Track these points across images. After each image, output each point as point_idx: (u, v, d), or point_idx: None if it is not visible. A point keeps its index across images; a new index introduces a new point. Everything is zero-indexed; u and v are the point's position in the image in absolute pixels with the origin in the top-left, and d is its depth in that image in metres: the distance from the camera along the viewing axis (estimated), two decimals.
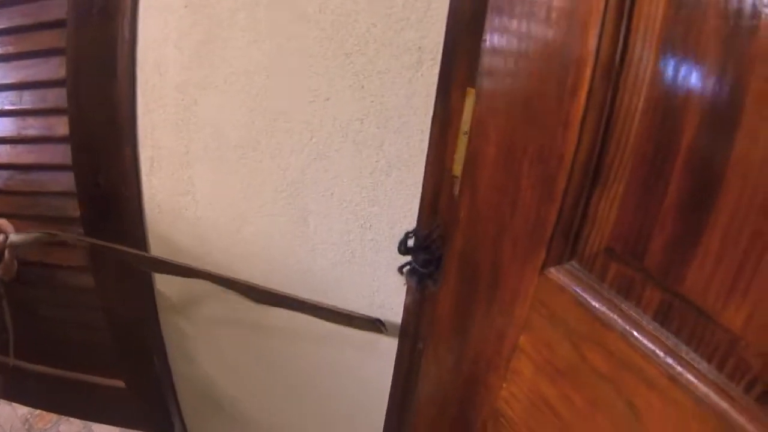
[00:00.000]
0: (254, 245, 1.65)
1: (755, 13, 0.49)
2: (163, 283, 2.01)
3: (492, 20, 0.80)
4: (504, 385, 0.89)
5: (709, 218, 0.55)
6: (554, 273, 0.75)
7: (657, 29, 0.59)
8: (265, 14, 1.33)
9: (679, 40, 0.56)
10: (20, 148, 1.88)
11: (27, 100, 1.80)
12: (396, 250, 1.26)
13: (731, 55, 0.51)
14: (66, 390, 2.45)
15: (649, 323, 0.64)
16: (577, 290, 0.71)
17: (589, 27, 0.64)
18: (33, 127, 1.83)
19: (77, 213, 1.85)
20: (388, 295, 1.46)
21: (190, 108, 1.56)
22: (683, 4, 0.56)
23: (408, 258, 1.23)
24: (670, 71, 0.58)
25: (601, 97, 0.65)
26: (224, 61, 1.44)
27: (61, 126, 1.76)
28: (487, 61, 0.82)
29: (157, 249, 1.87)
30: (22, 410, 3.40)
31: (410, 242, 1.25)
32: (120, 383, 2.38)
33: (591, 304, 0.69)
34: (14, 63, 1.78)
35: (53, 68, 1.72)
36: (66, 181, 1.82)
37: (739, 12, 0.50)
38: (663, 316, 0.62)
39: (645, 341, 0.63)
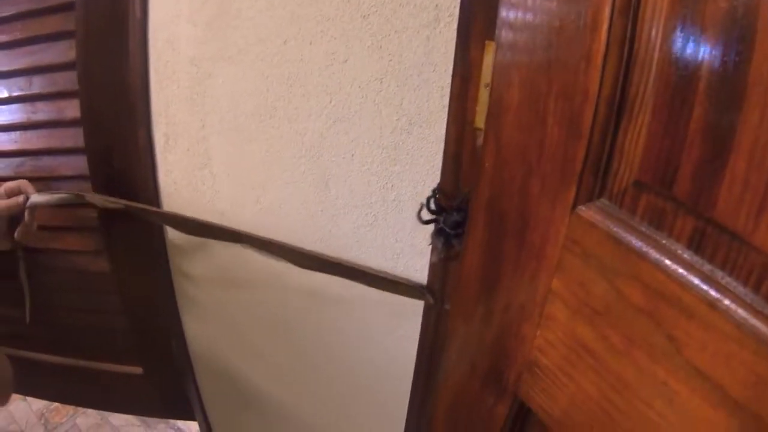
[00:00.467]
0: (274, 214, 1.67)
1: None
2: (180, 264, 2.03)
3: None
4: (538, 332, 0.91)
5: (734, 138, 0.57)
6: (585, 210, 0.77)
7: None
8: None
9: None
10: (30, 133, 1.90)
11: (36, 85, 1.83)
12: (419, 210, 1.28)
13: None
14: (82, 380, 2.47)
15: (684, 252, 0.66)
16: (610, 225, 0.73)
17: None
18: (43, 111, 1.85)
19: None
20: (412, 257, 1.47)
21: (204, 81, 1.58)
22: None
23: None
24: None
25: (621, 30, 0.68)
26: (237, 31, 1.46)
27: (71, 109, 1.78)
28: (505, 9, 0.84)
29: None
30: (38, 405, 3.46)
31: (432, 204, 1.28)
32: (138, 370, 2.40)
33: (624, 238, 0.72)
34: (23, 49, 1.80)
35: (62, 51, 1.74)
36: (79, 164, 1.84)
37: None
38: (696, 244, 0.65)
39: (681, 270, 0.65)
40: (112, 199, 1.74)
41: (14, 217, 1.73)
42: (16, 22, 1.78)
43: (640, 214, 0.72)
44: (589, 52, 0.71)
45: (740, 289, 0.61)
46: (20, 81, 1.81)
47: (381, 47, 1.28)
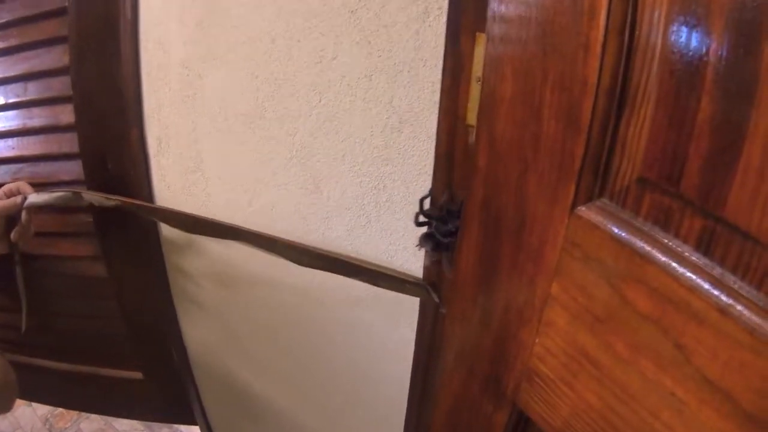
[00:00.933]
0: (267, 217, 1.65)
1: None
2: (177, 267, 2.02)
3: None
4: (537, 339, 0.87)
5: (747, 127, 0.53)
6: (585, 211, 0.73)
7: None
8: None
9: None
10: (27, 140, 1.89)
11: (32, 90, 1.82)
12: (413, 211, 1.26)
13: None
14: (84, 385, 2.47)
15: (692, 254, 0.62)
16: (612, 226, 0.69)
17: None
18: (39, 117, 1.85)
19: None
20: (406, 260, 1.44)
21: (195, 83, 1.56)
22: None
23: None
24: None
25: (621, 15, 0.63)
26: (226, 30, 1.44)
27: (66, 114, 1.77)
28: None
29: (167, 230, 1.89)
30: (42, 410, 3.46)
31: (426, 204, 1.25)
32: (138, 375, 2.39)
33: (628, 239, 0.67)
34: (18, 56, 1.80)
35: (57, 57, 1.73)
36: (75, 169, 1.84)
37: None
38: (706, 245, 0.60)
39: (689, 274, 0.61)
40: (108, 196, 1.72)
41: (12, 219, 1.73)
42: (11, 29, 1.77)
43: (644, 213, 0.67)
44: (587, 40, 0.66)
45: (754, 294, 0.56)
46: (16, 87, 1.81)
47: (370, 43, 1.25)
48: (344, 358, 1.83)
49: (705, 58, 0.55)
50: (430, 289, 1.38)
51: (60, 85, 1.76)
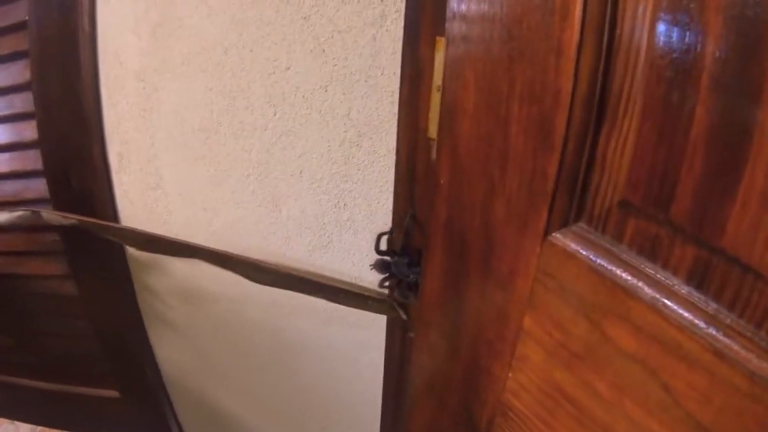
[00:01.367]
0: (227, 238, 1.62)
1: None
2: (144, 283, 2.00)
3: None
4: (510, 374, 0.80)
5: (750, 143, 0.45)
6: (560, 238, 0.65)
7: None
8: None
9: None
10: None
11: None
12: (376, 230, 1.24)
13: None
14: (62, 404, 2.48)
15: (682, 287, 0.54)
16: (590, 256, 0.61)
17: None
18: (2, 134, 1.83)
19: None
20: (372, 282, 1.39)
21: (152, 96, 1.53)
22: None
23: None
24: None
25: (598, 13, 0.56)
26: (180, 41, 1.40)
27: (30, 131, 1.76)
28: None
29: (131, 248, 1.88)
30: (24, 428, 3.43)
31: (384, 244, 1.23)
32: (115, 393, 2.41)
33: (609, 271, 0.59)
34: None
35: (19, 72, 1.71)
36: (40, 187, 1.83)
37: None
38: (699, 278, 0.53)
39: (680, 310, 0.53)
40: (65, 215, 1.72)
41: None
42: None
43: (627, 241, 0.59)
44: (559, 42, 0.58)
45: (753, 333, 0.49)
46: None
47: (324, 51, 1.21)
48: (314, 378, 1.80)
49: (699, 61, 0.47)
50: (396, 305, 1.33)
51: (21, 102, 1.74)
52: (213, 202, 1.58)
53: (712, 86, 0.47)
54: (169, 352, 2.20)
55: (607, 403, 0.64)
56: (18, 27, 1.61)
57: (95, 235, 1.77)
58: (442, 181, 0.82)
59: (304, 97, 1.28)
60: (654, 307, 0.55)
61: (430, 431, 1.11)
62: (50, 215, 1.71)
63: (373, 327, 1.48)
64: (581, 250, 0.62)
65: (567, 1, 0.56)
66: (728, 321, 0.50)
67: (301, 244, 1.49)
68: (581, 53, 0.56)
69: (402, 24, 1.05)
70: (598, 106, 0.58)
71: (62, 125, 1.69)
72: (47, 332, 2.23)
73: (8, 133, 1.80)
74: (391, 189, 1.21)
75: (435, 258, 0.90)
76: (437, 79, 0.94)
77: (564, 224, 0.65)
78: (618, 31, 0.54)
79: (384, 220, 1.30)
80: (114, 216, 1.81)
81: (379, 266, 1.22)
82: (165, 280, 1.90)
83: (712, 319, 0.51)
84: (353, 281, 1.45)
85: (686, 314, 0.53)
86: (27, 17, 1.57)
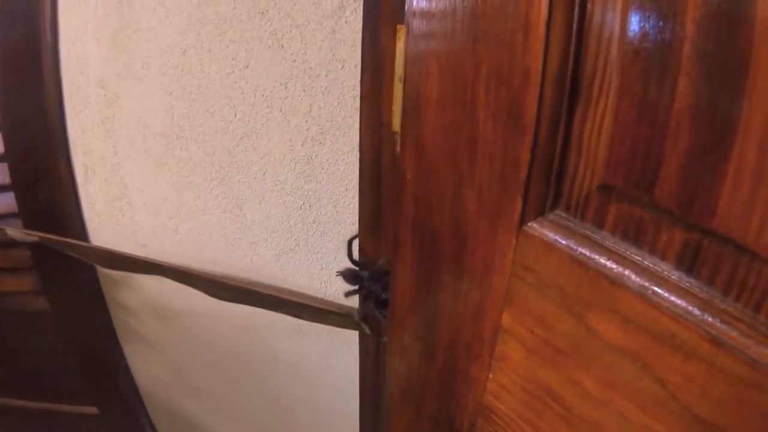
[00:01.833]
0: (194, 244, 1.62)
1: None
2: (117, 303, 2.01)
3: None
4: (490, 375, 0.77)
5: (738, 116, 0.43)
6: (536, 228, 0.62)
7: None
8: None
9: None
10: None
11: None
12: (343, 232, 1.25)
13: None
14: (40, 422, 2.50)
15: (672, 273, 0.51)
16: (570, 245, 0.58)
17: None
18: None
19: None
20: (342, 284, 1.36)
21: (114, 103, 1.52)
22: None
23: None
24: None
25: None
26: (139, 44, 1.40)
27: None
28: None
29: None
30: None
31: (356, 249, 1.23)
32: (93, 410, 2.43)
33: (591, 260, 0.57)
34: None
35: None
36: (8, 201, 1.84)
37: None
38: (690, 262, 0.50)
39: (671, 298, 0.51)
40: (28, 231, 1.75)
41: None
42: None
43: (609, 227, 0.56)
44: (526, 18, 0.55)
45: (752, 318, 0.46)
46: None
47: (283, 46, 1.19)
48: (289, 388, 1.80)
49: (680, 30, 0.45)
50: (358, 318, 1.33)
51: None
52: (177, 210, 1.57)
53: (695, 56, 0.44)
54: (145, 367, 2.21)
55: (596, 401, 0.61)
56: None
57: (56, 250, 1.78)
58: (408, 176, 0.79)
59: (264, 95, 1.27)
60: (643, 296, 0.52)
61: None
62: (14, 232, 1.73)
63: (345, 332, 1.47)
64: (560, 239, 0.59)
65: None
66: (724, 306, 0.48)
67: (267, 248, 1.48)
68: (550, 29, 0.53)
69: (361, 15, 1.03)
70: (570, 85, 0.55)
71: (28, 138, 1.71)
72: (21, 349, 2.24)
73: None
74: (357, 187, 1.19)
75: (404, 257, 0.88)
76: (399, 69, 0.92)
77: (540, 213, 0.62)
78: (589, 5, 0.52)
79: (351, 219, 1.29)
80: (82, 229, 1.81)
81: (349, 277, 1.21)
82: (136, 296, 1.90)
83: (706, 305, 0.48)
84: (325, 284, 1.44)
85: (678, 301, 0.50)
86: None
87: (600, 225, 0.57)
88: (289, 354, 1.68)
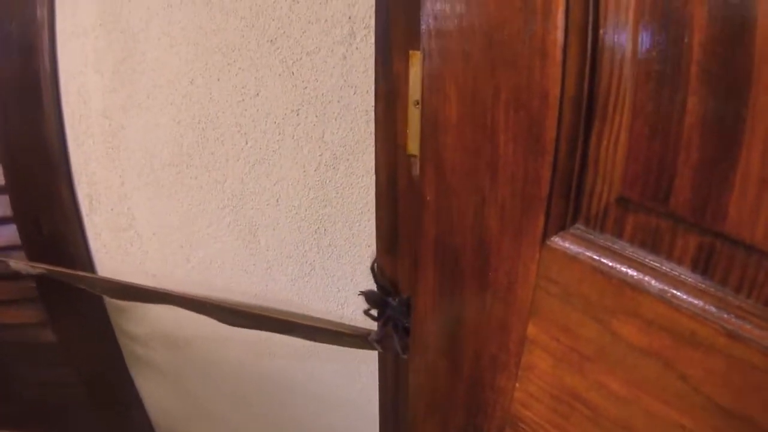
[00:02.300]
0: (206, 273, 1.61)
1: None
2: (125, 332, 1.99)
3: None
4: (517, 385, 0.81)
5: (743, 128, 0.47)
6: (559, 242, 0.66)
7: None
8: (179, 15, 1.28)
9: None
10: None
11: None
12: (359, 254, 1.25)
13: None
14: None
15: (689, 276, 0.56)
16: (592, 256, 0.62)
17: None
18: None
19: None
20: (358, 306, 1.39)
21: (118, 134, 1.52)
22: None
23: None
24: None
25: (581, 11, 0.57)
26: (144, 75, 1.40)
27: None
28: (430, 5, 0.72)
29: None
30: None
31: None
32: None
33: (613, 268, 0.61)
34: None
35: None
36: (10, 233, 1.81)
37: None
38: (704, 264, 0.54)
39: (689, 299, 0.55)
40: (33, 264, 1.73)
41: None
42: None
43: (628, 237, 0.61)
44: (543, 44, 0.59)
45: (763, 311, 0.51)
46: None
47: (293, 74, 1.20)
48: (308, 413, 1.79)
49: (687, 52, 0.49)
50: (374, 337, 1.33)
51: None
52: (189, 238, 1.57)
53: (701, 76, 0.48)
54: (157, 396, 2.18)
55: (623, 401, 0.65)
56: None
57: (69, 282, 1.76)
58: (428, 198, 0.83)
59: (275, 122, 1.28)
60: (663, 299, 0.56)
61: None
62: (18, 264, 1.71)
63: (362, 352, 1.48)
64: (582, 251, 0.63)
65: (548, 2, 0.57)
66: (738, 303, 0.52)
67: (283, 273, 1.48)
68: (567, 54, 0.57)
69: (372, 41, 1.06)
70: (587, 106, 0.59)
71: (29, 169, 1.68)
72: (29, 382, 2.21)
73: None
74: (372, 210, 1.21)
75: (426, 276, 0.90)
76: (414, 93, 0.94)
77: (561, 227, 0.66)
78: (602, 30, 0.56)
79: (367, 242, 1.30)
80: (88, 260, 1.80)
81: (372, 300, 1.21)
82: (145, 324, 1.89)
83: (722, 303, 0.53)
84: (341, 306, 1.44)
85: (696, 301, 0.54)
86: None
87: (619, 235, 0.61)
88: (305, 377, 1.68)
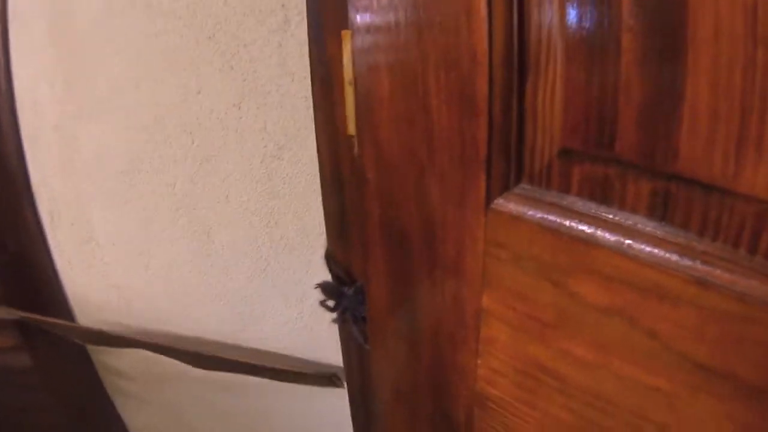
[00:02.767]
0: (165, 278, 1.61)
1: None
2: (104, 361, 2.01)
3: None
4: (479, 361, 0.77)
5: (686, 59, 0.44)
6: (503, 204, 0.63)
7: None
8: (120, 20, 1.29)
9: None
10: None
11: None
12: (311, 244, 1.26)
13: None
14: None
15: (646, 224, 0.53)
16: (539, 214, 0.59)
17: None
18: None
19: None
20: (318, 298, 1.34)
21: (72, 145, 1.52)
22: None
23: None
24: None
25: None
26: (92, 83, 1.41)
27: None
28: None
29: (79, 309, 1.87)
30: None
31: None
32: None
33: (563, 225, 0.57)
34: None
35: None
36: None
37: None
38: (661, 210, 0.51)
39: (648, 248, 0.52)
40: (11, 310, 1.77)
41: None
42: None
43: (576, 191, 0.57)
44: (467, 2, 0.56)
45: (732, 254, 0.47)
46: None
47: (233, 68, 1.20)
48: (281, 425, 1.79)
49: None
50: (336, 378, 1.38)
51: None
52: (146, 245, 1.57)
53: (634, 9, 0.45)
54: (140, 421, 2.19)
55: (590, 367, 0.62)
56: None
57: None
58: (369, 176, 0.80)
59: (218, 118, 1.27)
60: (620, 251, 0.53)
61: None
62: None
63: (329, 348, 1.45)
64: (529, 211, 0.60)
65: None
66: (702, 247, 0.49)
67: (239, 272, 1.47)
68: (492, 7, 0.54)
69: (306, 27, 1.04)
70: (518, 59, 0.56)
71: None
72: (6, 406, 2.17)
73: None
74: (320, 197, 1.19)
75: (375, 258, 0.87)
76: (348, 73, 0.91)
77: (505, 189, 0.63)
78: None
79: (318, 230, 1.28)
80: (56, 278, 1.80)
81: (329, 291, 1.20)
82: (122, 358, 1.90)
83: (685, 250, 0.49)
84: (297, 301, 1.43)
85: (656, 251, 0.51)
86: None
87: (566, 190, 0.57)
88: (275, 403, 1.69)
